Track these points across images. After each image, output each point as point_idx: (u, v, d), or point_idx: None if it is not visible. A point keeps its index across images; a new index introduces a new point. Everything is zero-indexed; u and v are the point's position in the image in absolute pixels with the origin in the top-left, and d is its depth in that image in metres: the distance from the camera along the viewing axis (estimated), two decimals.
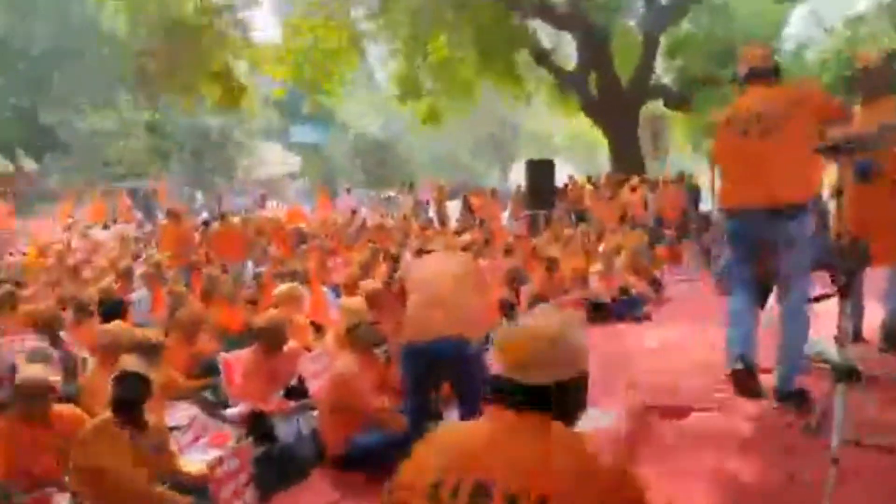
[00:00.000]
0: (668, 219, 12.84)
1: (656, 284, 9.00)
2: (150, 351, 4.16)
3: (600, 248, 8.52)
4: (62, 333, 5.35)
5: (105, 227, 15.17)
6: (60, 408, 3.71)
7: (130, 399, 3.36)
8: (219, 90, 17.16)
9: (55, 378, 3.68)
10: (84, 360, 5.21)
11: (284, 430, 4.26)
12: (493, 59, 17.80)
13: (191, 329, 5.42)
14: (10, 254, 10.19)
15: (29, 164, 29.80)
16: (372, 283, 5.81)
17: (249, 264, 10.21)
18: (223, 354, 5.37)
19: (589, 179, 17.82)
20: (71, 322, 5.74)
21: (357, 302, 5.39)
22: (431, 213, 18.58)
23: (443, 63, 18.70)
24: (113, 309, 5.93)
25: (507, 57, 17.89)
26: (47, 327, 5.17)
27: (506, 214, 17.11)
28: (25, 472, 3.50)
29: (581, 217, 15.14)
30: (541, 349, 1.63)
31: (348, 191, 22.29)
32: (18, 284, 7.85)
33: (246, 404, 4.62)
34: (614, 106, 17.60)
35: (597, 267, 8.35)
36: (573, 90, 18.83)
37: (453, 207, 20.66)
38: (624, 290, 8.38)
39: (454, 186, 23.46)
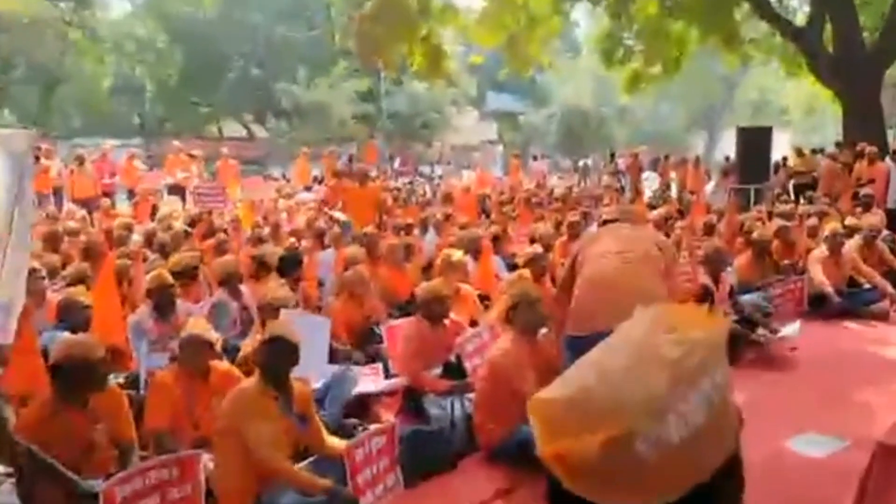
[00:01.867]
0: None
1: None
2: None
3: (826, 231, 7.19)
4: (242, 288, 5.49)
5: (307, 188, 16.04)
6: (218, 365, 3.71)
7: (276, 364, 3.21)
8: (423, 57, 17.37)
9: (215, 335, 3.67)
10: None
11: (436, 413, 3.96)
12: (709, 14, 16.09)
13: (358, 291, 5.30)
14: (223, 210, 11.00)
15: (258, 131, 32.91)
16: (536, 252, 5.29)
17: (431, 230, 10.10)
18: (390, 322, 5.22)
19: (814, 151, 15.60)
20: (252, 277, 5.89)
21: (522, 276, 4.94)
22: (625, 183, 17.53)
23: (650, 21, 17.33)
24: (289, 265, 6.02)
25: (725, 9, 16.05)
26: (227, 282, 5.33)
27: (709, 188, 15.61)
28: (189, 424, 3.54)
29: (801, 192, 13.30)
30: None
31: (535, 158, 21.68)
32: (226, 233, 8.37)
33: (402, 378, 4.41)
34: (854, 66, 15.05)
35: (820, 251, 7.09)
36: (803, 48, 16.47)
37: (653, 179, 19.36)
38: (853, 281, 7.06)
39: (655, 156, 21.89)
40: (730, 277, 6.48)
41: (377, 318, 5.29)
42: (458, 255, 5.72)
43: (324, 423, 3.50)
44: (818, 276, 6.77)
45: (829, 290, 6.67)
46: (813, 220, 8.80)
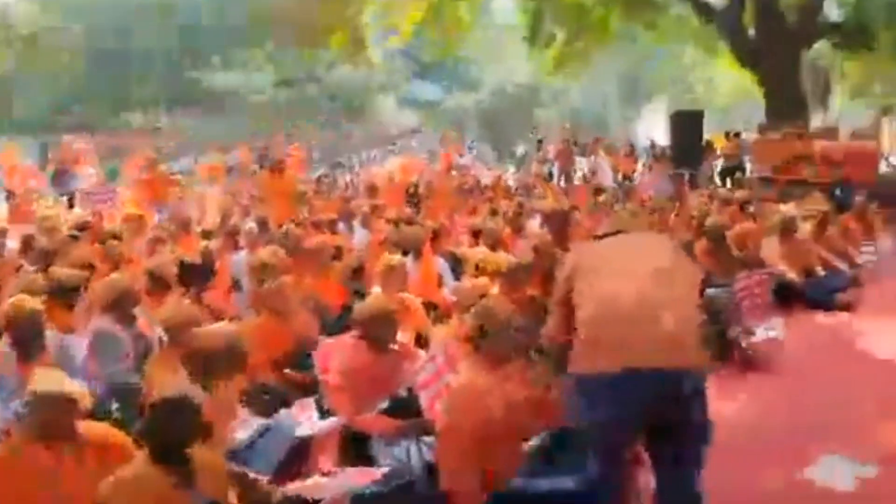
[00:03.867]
0: (854, 180, 10.61)
1: (848, 262, 7.18)
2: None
3: (778, 217, 6.77)
4: (137, 310, 4.45)
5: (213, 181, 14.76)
6: (91, 428, 2.76)
7: (169, 437, 2.33)
8: (342, 40, 16.48)
9: (76, 388, 2.72)
10: (161, 340, 4.32)
11: (389, 464, 3.15)
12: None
13: (281, 307, 4.40)
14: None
15: (169, 120, 30.77)
16: (507, 258, 4.54)
17: (356, 225, 9.17)
18: (323, 341, 4.33)
19: (737, 134, 15.50)
20: (147, 294, 4.86)
21: (481, 286, 4.17)
22: (554, 169, 17.09)
23: (571, 3, 16.98)
24: (195, 275, 5.05)
25: None
26: (115, 306, 4.29)
27: (637, 174, 15.36)
28: None
29: (728, 176, 13.16)
30: None
31: (470, 149, 20.99)
32: (116, 237, 7.18)
33: (339, 416, 3.57)
34: (775, 47, 15.06)
35: (774, 238, 6.66)
36: (723, 29, 16.38)
37: (583, 164, 19.00)
38: (808, 270, 6.66)
39: (584, 141, 21.62)
40: None
41: (309, 337, 4.39)
42: (397, 259, 4.90)
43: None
44: (778, 265, 6.33)
45: (794, 278, 6.24)
46: (752, 206, 8.48)
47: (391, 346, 3.70)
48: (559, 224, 5.97)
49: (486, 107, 35.00)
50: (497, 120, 33.97)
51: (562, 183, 15.34)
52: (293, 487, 3.01)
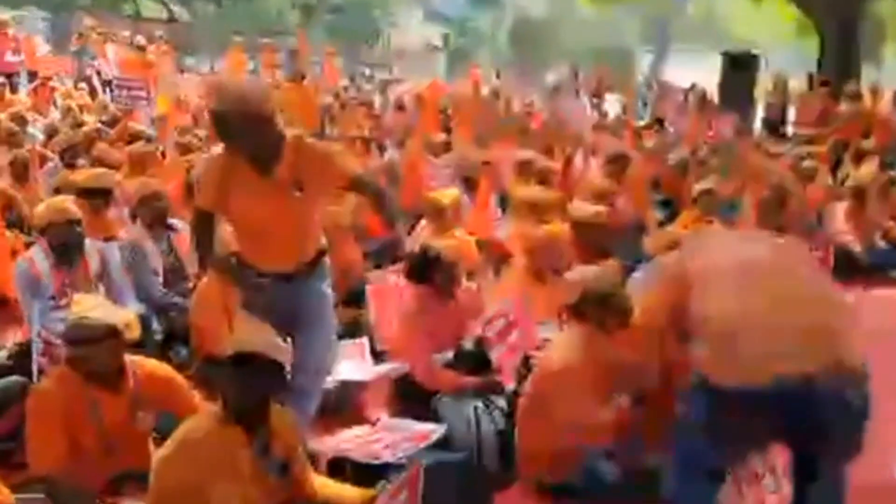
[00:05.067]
0: None
1: None
2: None
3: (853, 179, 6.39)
4: (175, 221, 4.11)
5: None
6: (140, 364, 2.50)
7: (247, 395, 2.06)
8: None
9: (121, 315, 2.45)
10: None
11: (456, 420, 2.92)
12: None
13: (333, 236, 4.06)
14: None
15: (181, 13, 29.43)
16: (590, 208, 4.17)
17: (389, 146, 8.71)
18: (371, 278, 4.04)
19: (785, 83, 14.71)
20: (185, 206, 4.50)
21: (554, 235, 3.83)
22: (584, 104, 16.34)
23: None
24: None
25: None
26: (153, 214, 3.95)
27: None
28: (96, 455, 2.37)
29: (771, 128, 12.55)
30: None
31: (497, 75, 20.09)
32: (147, 140, 6.80)
33: (398, 364, 3.32)
34: None
35: (842, 203, 6.30)
36: None
37: (612, 102, 18.26)
38: (871, 242, 6.32)
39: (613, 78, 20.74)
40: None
41: (356, 272, 4.11)
42: (452, 194, 4.56)
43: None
44: (844, 232, 6.00)
45: (858, 249, 5.92)
46: (809, 163, 8.02)
47: (456, 292, 3.41)
48: (620, 168, 5.59)
49: (511, 29, 33.67)
50: (524, 42, 32.71)
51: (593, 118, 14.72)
52: (344, 447, 2.77)
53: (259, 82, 2.87)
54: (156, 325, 3.54)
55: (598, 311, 2.52)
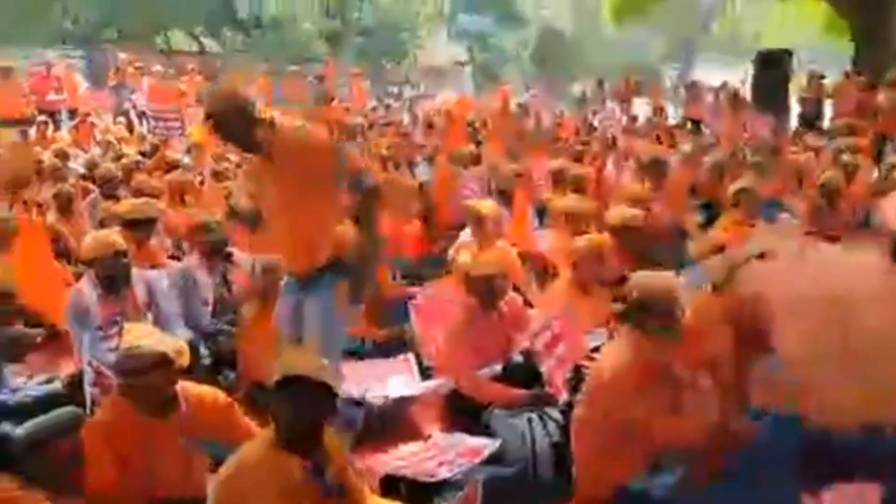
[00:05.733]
0: None
1: None
2: None
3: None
4: (234, 251, 4.11)
5: None
6: (189, 389, 2.50)
7: (300, 418, 2.05)
8: None
9: (172, 342, 2.45)
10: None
11: (510, 434, 2.86)
12: None
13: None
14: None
15: (210, 45, 30.04)
16: (627, 212, 4.12)
17: (422, 166, 8.71)
18: (416, 294, 4.02)
19: (822, 77, 14.39)
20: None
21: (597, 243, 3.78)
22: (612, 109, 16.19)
23: None
24: None
25: None
26: (209, 242, 3.97)
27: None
28: (143, 486, 2.37)
29: (807, 124, 12.24)
30: None
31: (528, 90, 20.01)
32: (178, 168, 6.88)
33: (446, 379, 3.28)
34: None
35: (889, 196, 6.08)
36: None
37: (639, 106, 18.07)
38: None
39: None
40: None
41: (395, 289, 4.09)
42: (491, 205, 4.53)
43: None
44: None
45: None
46: (847, 157, 7.78)
47: (502, 305, 3.37)
48: (659, 173, 5.50)
49: (535, 44, 33.70)
50: (549, 59, 32.69)
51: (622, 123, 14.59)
52: (397, 464, 2.74)
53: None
54: (203, 351, 3.55)
55: (650, 317, 2.45)
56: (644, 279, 2.52)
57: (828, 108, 12.86)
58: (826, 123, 12.35)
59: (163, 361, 2.32)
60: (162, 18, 27.66)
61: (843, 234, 5.57)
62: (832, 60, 13.99)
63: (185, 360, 2.41)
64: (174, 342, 2.51)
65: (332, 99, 10.75)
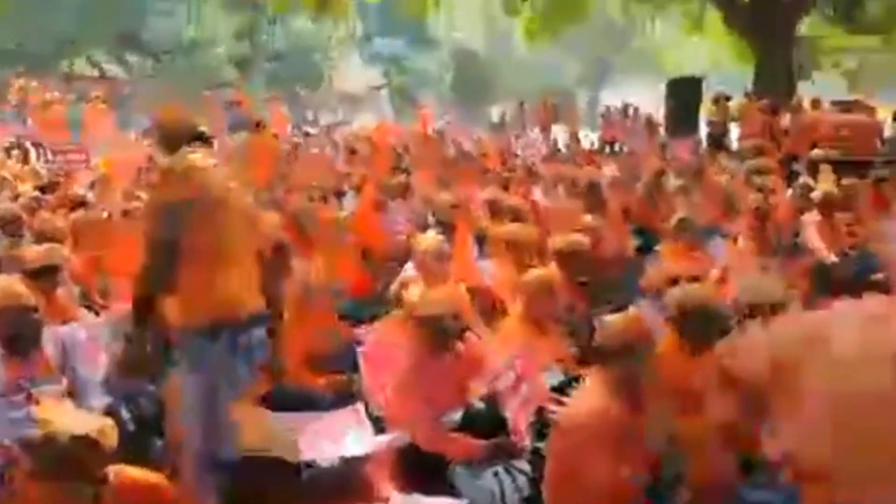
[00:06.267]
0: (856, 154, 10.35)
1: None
2: None
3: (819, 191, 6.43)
4: None
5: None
6: (116, 472, 2.17)
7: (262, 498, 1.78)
8: None
9: (94, 428, 2.12)
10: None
11: (476, 493, 2.66)
12: None
13: (309, 301, 3.79)
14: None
15: (111, 70, 28.70)
16: (571, 237, 4.02)
17: (350, 195, 8.43)
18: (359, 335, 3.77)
19: (728, 99, 15.02)
20: None
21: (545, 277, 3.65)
22: (535, 136, 16.43)
23: None
24: None
25: None
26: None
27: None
28: None
29: (716, 144, 12.74)
30: None
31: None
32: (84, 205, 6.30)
33: (400, 433, 3.03)
34: (769, 17, 14.72)
35: (812, 214, 6.32)
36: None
37: (556, 131, 18.42)
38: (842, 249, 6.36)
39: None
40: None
41: (343, 333, 3.83)
42: (437, 238, 4.35)
43: None
44: (819, 246, 6.00)
45: (835, 261, 5.92)
46: (759, 179, 8.07)
47: (459, 346, 3.17)
48: (597, 198, 5.47)
49: (452, 69, 34.12)
50: (465, 82, 33.13)
51: (543, 150, 14.80)
52: None
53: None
54: (126, 414, 3.18)
55: (625, 359, 2.32)
56: (618, 321, 2.39)
57: (734, 130, 13.49)
58: (734, 144, 12.94)
59: (86, 445, 1.99)
60: (66, 43, 26.30)
61: (773, 259, 5.73)
62: (740, 85, 14.71)
63: (111, 441, 2.09)
64: (97, 420, 2.18)
65: (259, 123, 10.32)
